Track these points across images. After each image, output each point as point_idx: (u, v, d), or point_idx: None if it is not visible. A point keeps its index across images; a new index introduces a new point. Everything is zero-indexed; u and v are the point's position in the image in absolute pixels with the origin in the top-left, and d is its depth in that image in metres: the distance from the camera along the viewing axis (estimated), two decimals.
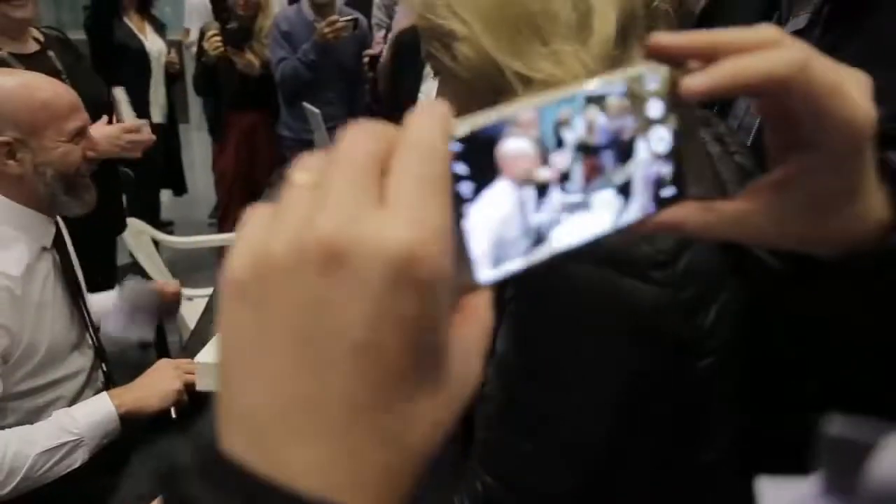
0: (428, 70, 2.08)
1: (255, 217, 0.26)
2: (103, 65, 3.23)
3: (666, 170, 0.36)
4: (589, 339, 0.62)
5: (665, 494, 0.67)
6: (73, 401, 1.29)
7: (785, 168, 0.37)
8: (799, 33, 0.90)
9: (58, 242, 1.30)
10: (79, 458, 1.16)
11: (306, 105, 2.64)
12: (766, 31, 0.35)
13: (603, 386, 0.64)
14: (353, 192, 0.24)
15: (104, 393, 1.24)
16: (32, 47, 1.84)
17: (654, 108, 0.35)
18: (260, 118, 3.19)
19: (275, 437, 0.24)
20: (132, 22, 3.25)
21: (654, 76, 0.35)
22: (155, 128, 3.34)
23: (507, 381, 0.66)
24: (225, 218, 3.41)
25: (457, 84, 0.64)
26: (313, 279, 0.24)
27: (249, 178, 3.30)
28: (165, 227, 3.68)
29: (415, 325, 0.24)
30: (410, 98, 2.06)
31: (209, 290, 2.65)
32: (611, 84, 0.34)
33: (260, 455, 0.24)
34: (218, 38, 2.99)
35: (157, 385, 1.25)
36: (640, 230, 0.36)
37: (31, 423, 1.21)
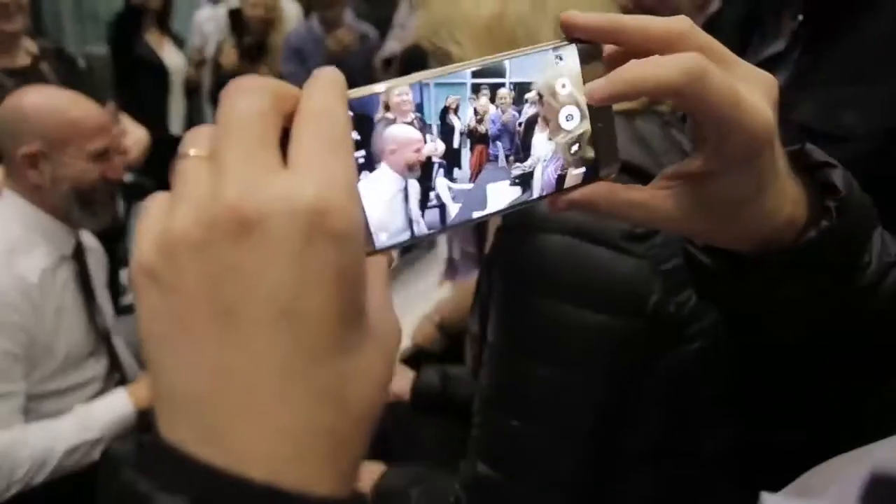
0: None
1: (156, 202, 0.26)
2: (124, 79, 3.35)
3: (576, 148, 0.35)
4: (568, 307, 0.62)
5: (664, 487, 0.67)
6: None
7: (693, 161, 0.37)
8: (779, 56, 0.94)
9: (77, 253, 1.34)
10: (97, 453, 1.23)
11: None
12: (674, 23, 0.34)
13: (590, 358, 0.63)
14: (253, 158, 0.24)
15: (123, 390, 1.28)
16: (23, 61, 1.80)
17: (562, 86, 0.35)
18: None
19: (212, 420, 0.23)
20: (152, 38, 3.35)
21: (563, 53, 0.35)
22: (173, 140, 3.46)
23: (498, 365, 0.66)
24: None
25: None
26: (224, 249, 0.23)
27: None
28: None
29: (337, 278, 0.23)
30: None
31: None
32: (516, 60, 0.33)
33: (201, 441, 0.23)
34: (234, 52, 3.09)
35: None
36: (551, 208, 0.36)
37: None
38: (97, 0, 5.13)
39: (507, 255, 0.67)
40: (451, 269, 1.53)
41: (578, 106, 0.35)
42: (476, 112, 0.33)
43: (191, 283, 0.23)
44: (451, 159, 0.32)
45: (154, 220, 0.25)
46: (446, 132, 0.32)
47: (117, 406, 1.25)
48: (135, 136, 2.02)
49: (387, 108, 0.30)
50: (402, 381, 1.14)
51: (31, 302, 1.20)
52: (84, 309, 1.34)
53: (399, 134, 0.31)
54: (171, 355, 0.24)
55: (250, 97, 0.25)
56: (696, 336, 0.64)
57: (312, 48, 2.88)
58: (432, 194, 0.32)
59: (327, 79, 0.26)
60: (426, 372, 1.16)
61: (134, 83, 3.34)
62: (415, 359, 1.33)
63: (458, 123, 0.32)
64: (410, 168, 0.31)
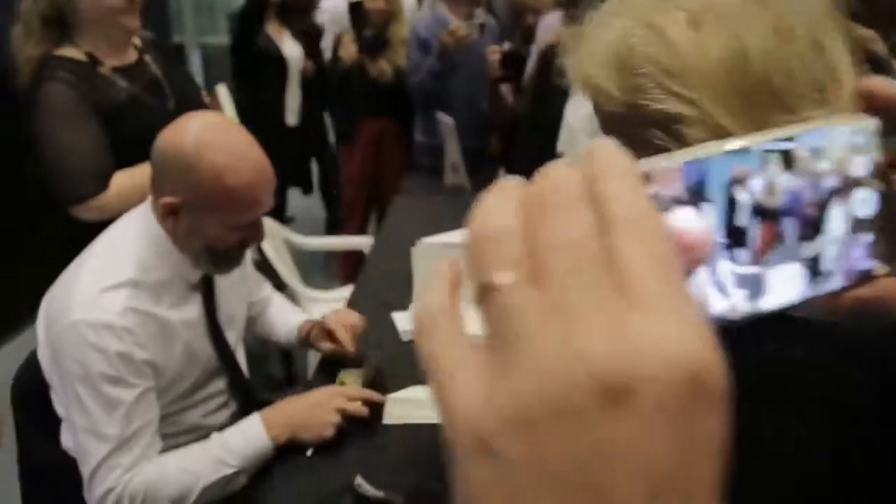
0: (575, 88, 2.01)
1: (465, 352, 0.22)
2: (245, 70, 3.42)
3: (867, 238, 0.31)
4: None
5: None
6: (211, 417, 1.33)
7: None
8: None
9: (206, 281, 1.28)
10: (238, 484, 1.20)
11: (439, 114, 2.65)
12: None
13: None
14: (596, 294, 0.20)
15: (258, 420, 1.21)
16: (132, 57, 1.77)
17: (858, 167, 0.30)
18: (389, 125, 3.24)
19: None
20: (272, 29, 3.39)
21: (858, 128, 0.30)
22: (289, 130, 3.51)
23: None
24: (349, 221, 3.49)
25: None
26: (593, 419, 0.20)
27: (375, 184, 3.36)
28: (288, 223, 3.81)
29: (717, 448, 0.21)
30: (554, 121, 1.99)
31: (333, 294, 2.71)
32: (805, 136, 0.29)
33: None
34: (353, 46, 3.07)
35: (315, 419, 1.20)
36: (833, 305, 0.32)
37: (173, 438, 1.24)
38: None
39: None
40: None
41: (873, 188, 0.31)
42: (766, 185, 0.29)
43: (548, 459, 0.20)
44: (736, 238, 0.29)
45: (475, 374, 0.21)
46: (731, 208, 0.28)
47: (253, 438, 1.20)
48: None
49: (662, 184, 0.27)
50: None
51: (159, 337, 1.17)
52: (210, 337, 1.30)
53: (685, 220, 0.27)
54: None
55: (575, 211, 0.22)
56: None
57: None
58: (713, 279, 0.28)
59: (622, 167, 0.22)
60: None
61: (253, 74, 3.40)
62: None
63: (746, 197, 0.29)
64: (696, 257, 0.28)
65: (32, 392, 1.21)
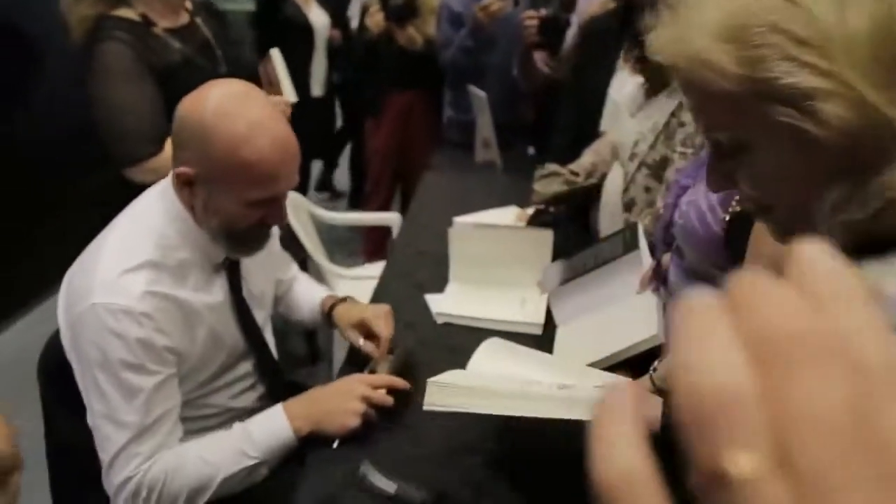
0: (621, 63, 1.91)
1: None
2: (270, 38, 3.33)
3: None
4: None
5: None
6: (237, 399, 1.29)
7: None
8: None
9: (231, 261, 1.22)
10: (260, 476, 1.15)
11: (471, 87, 2.56)
12: None
13: None
14: (867, 488, 0.16)
15: (281, 411, 1.16)
16: (184, 19, 1.76)
17: None
18: (417, 98, 3.15)
19: None
20: None
21: None
22: (313, 101, 3.43)
23: None
24: (373, 196, 3.43)
25: (810, 154, 0.49)
26: None
27: (402, 159, 3.29)
28: (337, 197, 3.76)
29: None
30: (597, 96, 1.90)
31: (358, 271, 2.66)
32: None
33: None
34: (380, 14, 2.97)
35: (339, 409, 1.15)
36: None
37: (201, 421, 1.21)
38: None
39: None
40: (658, 279, 1.33)
41: None
42: None
43: None
44: None
45: None
46: None
47: (276, 429, 1.15)
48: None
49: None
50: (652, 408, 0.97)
51: (181, 322, 1.12)
52: (237, 320, 1.25)
53: None
54: None
55: (824, 364, 0.17)
56: None
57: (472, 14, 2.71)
58: None
59: (852, 287, 0.18)
60: None
61: (278, 43, 3.31)
62: None
63: None
64: None
65: (58, 368, 1.17)
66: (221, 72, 1.74)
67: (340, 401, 1.16)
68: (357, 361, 1.37)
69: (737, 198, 1.07)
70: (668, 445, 0.80)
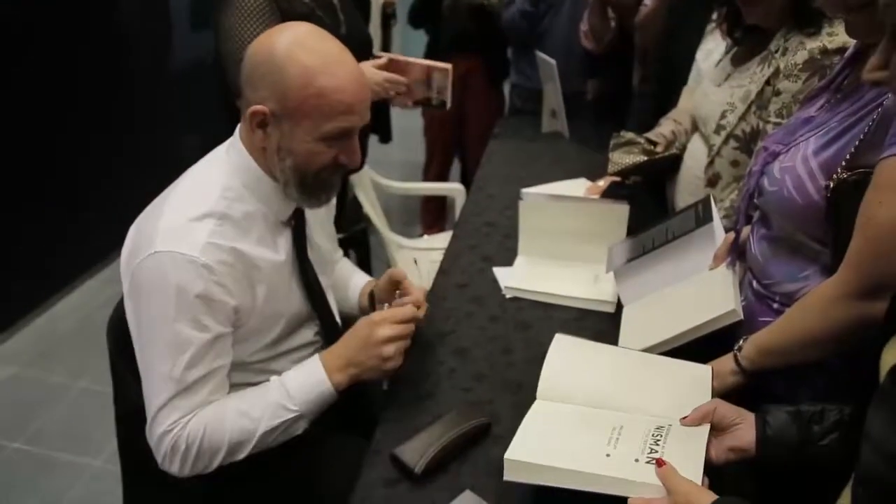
0: (712, 26, 1.79)
1: None
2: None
3: None
4: None
5: None
6: None
7: None
8: None
9: (297, 218, 1.19)
10: (300, 428, 1.12)
11: (539, 54, 2.46)
12: None
13: None
14: None
15: (318, 364, 1.13)
16: None
17: None
18: (477, 64, 3.06)
19: None
20: None
21: None
22: None
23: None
24: (430, 166, 3.37)
25: None
26: None
27: (459, 127, 3.22)
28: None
29: None
30: (685, 61, 1.78)
31: (420, 242, 2.62)
32: None
33: None
34: None
35: (372, 360, 1.12)
36: None
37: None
38: None
39: None
40: (735, 253, 1.25)
41: None
42: None
43: None
44: None
45: None
46: None
47: (316, 383, 1.11)
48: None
49: None
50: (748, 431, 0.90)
51: (243, 277, 1.09)
52: (300, 279, 1.21)
53: None
54: None
55: None
56: None
57: None
58: None
59: None
60: (774, 413, 0.90)
61: None
62: None
63: None
64: None
65: (127, 331, 1.15)
66: (341, 32, 1.82)
67: (369, 352, 1.12)
68: None
69: (842, 164, 0.98)
70: (765, 463, 0.74)
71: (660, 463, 0.83)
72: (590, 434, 0.93)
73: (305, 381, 1.12)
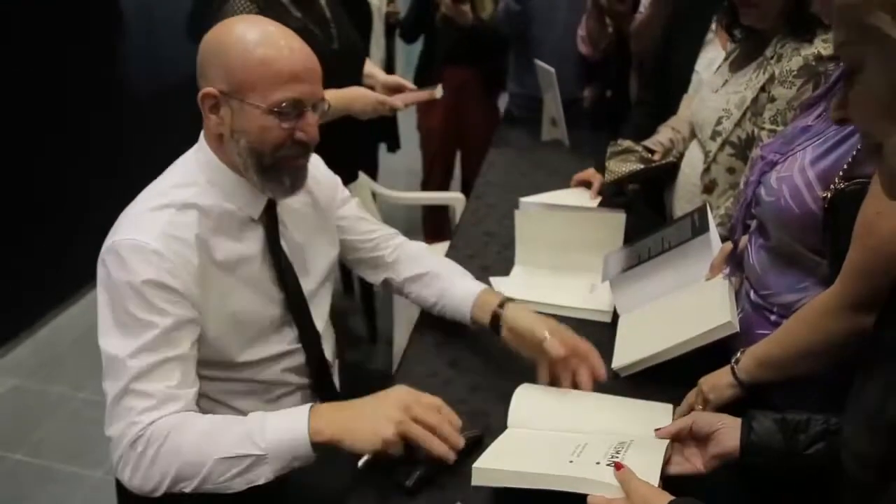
0: (711, 36, 1.79)
1: None
2: None
3: None
4: None
5: None
6: (274, 386, 1.22)
7: None
8: None
9: (269, 214, 1.17)
10: (262, 476, 0.97)
11: (538, 62, 2.46)
12: None
13: None
14: None
15: (307, 407, 1.01)
16: None
17: None
18: (472, 75, 3.07)
19: None
20: None
21: None
22: None
23: None
24: (430, 176, 3.37)
25: None
26: None
27: (457, 137, 3.22)
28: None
29: None
30: (681, 71, 1.78)
31: None
32: None
33: None
34: None
35: (367, 427, 0.97)
36: None
37: (231, 406, 1.17)
38: None
39: None
40: (732, 263, 1.24)
41: None
42: None
43: None
44: None
45: None
46: None
47: (292, 424, 0.98)
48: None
49: None
50: (730, 435, 0.89)
51: (199, 270, 1.07)
52: (275, 280, 1.18)
53: None
54: None
55: None
56: None
57: None
58: None
59: None
60: (760, 419, 0.89)
61: None
62: None
63: None
64: None
65: None
66: (334, 47, 1.81)
67: (373, 418, 0.98)
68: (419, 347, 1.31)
69: (840, 174, 0.97)
70: (748, 470, 0.73)
71: (618, 466, 0.85)
72: (555, 448, 0.96)
73: (283, 421, 1.00)
